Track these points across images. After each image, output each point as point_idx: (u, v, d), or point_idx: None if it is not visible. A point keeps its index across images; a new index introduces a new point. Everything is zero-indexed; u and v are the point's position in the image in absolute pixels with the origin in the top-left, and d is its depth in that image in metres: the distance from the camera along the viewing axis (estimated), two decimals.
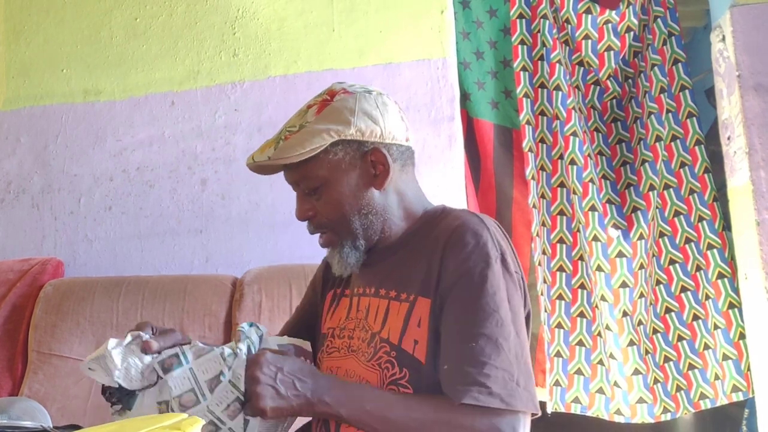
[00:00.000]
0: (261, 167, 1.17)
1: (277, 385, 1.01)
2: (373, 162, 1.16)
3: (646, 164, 2.17)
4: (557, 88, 2.25)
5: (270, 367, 1.02)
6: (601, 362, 2.15)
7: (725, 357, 1.99)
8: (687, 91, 2.13)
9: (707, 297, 2.04)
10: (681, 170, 2.11)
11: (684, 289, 2.07)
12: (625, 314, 2.14)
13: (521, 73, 2.31)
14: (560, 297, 2.21)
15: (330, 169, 1.14)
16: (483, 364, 1.01)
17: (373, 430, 1.03)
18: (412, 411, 1.02)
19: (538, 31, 2.30)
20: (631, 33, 2.26)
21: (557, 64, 2.27)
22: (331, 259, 1.21)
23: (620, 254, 2.17)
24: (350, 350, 1.17)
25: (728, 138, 2.03)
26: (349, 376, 1.15)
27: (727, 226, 2.06)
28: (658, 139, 2.15)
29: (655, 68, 2.18)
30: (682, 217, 2.09)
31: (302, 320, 1.37)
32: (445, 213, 1.21)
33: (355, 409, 1.03)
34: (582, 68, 2.30)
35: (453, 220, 1.15)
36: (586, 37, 2.28)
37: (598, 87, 2.30)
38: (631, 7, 2.25)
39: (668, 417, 2.09)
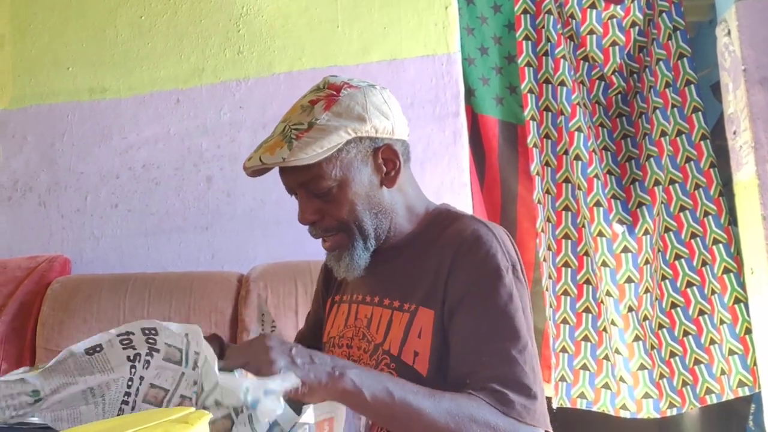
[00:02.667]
0: (261, 170, 1.10)
1: (293, 355, 0.91)
2: (384, 160, 1.12)
3: (651, 159, 2.16)
4: (562, 83, 2.25)
5: (282, 341, 0.93)
6: (606, 357, 2.14)
7: (731, 352, 1.99)
8: (692, 86, 2.13)
9: (713, 292, 2.03)
10: (686, 165, 2.10)
11: (690, 284, 2.07)
12: (630, 309, 2.14)
13: (526, 68, 2.31)
14: (565, 292, 2.21)
15: (343, 168, 1.09)
16: (496, 378, 0.97)
17: (397, 420, 0.94)
18: (438, 400, 0.94)
19: (543, 27, 2.30)
20: (636, 28, 2.25)
21: (562, 60, 2.26)
22: (335, 262, 1.15)
23: (625, 249, 2.17)
24: (350, 359, 1.13)
25: (734, 132, 2.02)
26: None
27: (733, 221, 2.06)
28: (663, 134, 2.14)
29: (660, 63, 2.17)
30: (687, 212, 2.09)
31: (312, 330, 1.35)
32: (451, 217, 1.17)
33: (379, 391, 0.92)
34: (587, 63, 2.29)
35: (461, 228, 1.11)
36: (591, 32, 2.28)
37: (603, 82, 2.29)
38: (635, 1, 2.24)
39: (674, 412, 2.08)
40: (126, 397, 0.98)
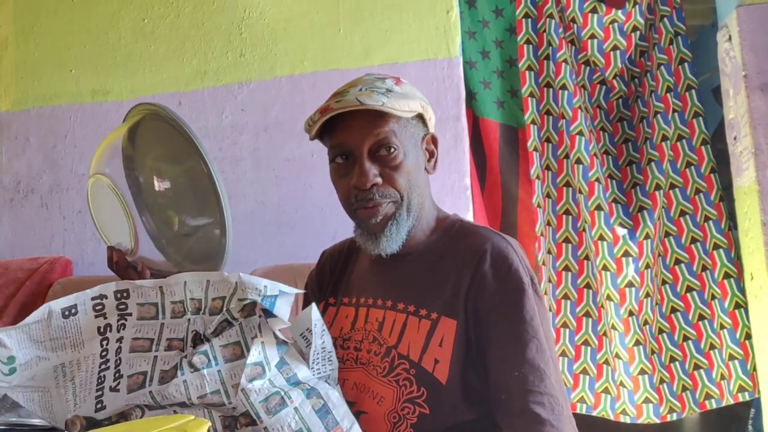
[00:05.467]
0: (315, 124, 1.11)
1: None
2: (428, 146, 1.19)
3: (652, 164, 2.16)
4: (563, 87, 2.25)
5: None
6: (606, 362, 2.15)
7: (731, 357, 1.99)
8: (693, 91, 2.13)
9: (713, 297, 2.03)
10: (687, 170, 2.11)
11: (690, 289, 2.07)
12: (630, 314, 2.14)
13: (527, 72, 2.31)
14: (566, 296, 2.21)
15: (407, 138, 1.14)
16: (529, 392, 1.01)
17: None
18: None
19: (544, 31, 2.30)
20: (638, 32, 2.26)
21: (563, 64, 2.26)
22: (378, 235, 1.13)
23: (626, 254, 2.17)
24: (358, 362, 1.14)
25: (734, 138, 2.03)
26: (359, 389, 1.12)
27: (733, 226, 2.06)
28: (664, 138, 2.15)
29: (662, 68, 2.17)
30: (688, 216, 2.09)
31: None
32: (465, 229, 1.19)
33: None
34: (588, 67, 2.30)
35: (480, 241, 1.13)
36: (592, 36, 2.28)
37: (604, 86, 2.29)
38: (637, 6, 2.24)
39: (674, 417, 2.08)
40: (103, 366, 1.01)
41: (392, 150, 1.11)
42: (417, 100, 1.14)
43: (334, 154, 1.16)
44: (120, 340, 1.02)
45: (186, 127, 1.15)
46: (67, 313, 1.01)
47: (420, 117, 1.17)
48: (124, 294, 1.03)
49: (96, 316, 1.02)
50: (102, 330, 1.02)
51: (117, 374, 1.00)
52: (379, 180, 1.11)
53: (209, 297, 1.00)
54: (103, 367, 1.01)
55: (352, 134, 1.12)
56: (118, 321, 1.02)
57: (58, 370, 1.02)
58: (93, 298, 1.02)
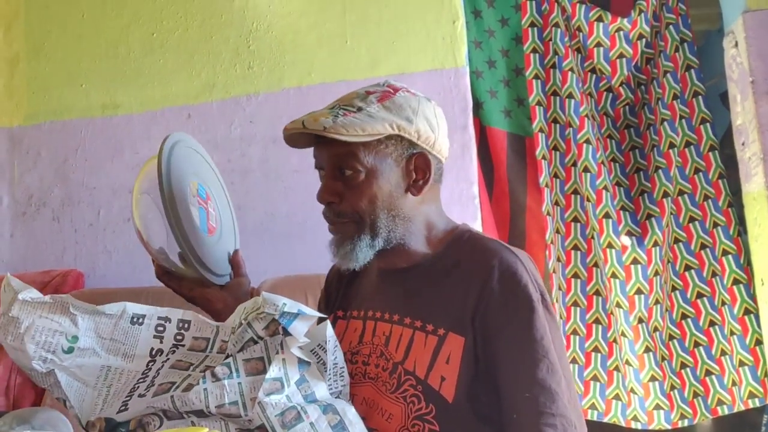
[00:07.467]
0: (295, 137, 1.14)
1: None
2: (416, 167, 1.14)
3: (660, 171, 2.17)
4: (570, 95, 2.26)
5: None
6: (617, 368, 2.14)
7: (741, 363, 1.98)
8: (700, 97, 2.13)
9: (723, 303, 2.03)
10: (695, 176, 2.11)
11: (700, 295, 2.07)
12: (640, 321, 2.14)
13: (534, 81, 2.32)
14: (575, 304, 2.21)
15: (377, 159, 1.11)
16: (541, 414, 0.99)
17: None
18: None
19: (550, 40, 2.31)
20: (643, 40, 2.26)
21: (569, 72, 2.27)
22: (336, 249, 1.15)
23: (635, 261, 2.17)
24: (366, 377, 1.13)
25: (743, 144, 2.02)
26: (368, 405, 1.10)
27: (744, 231, 2.05)
28: (672, 145, 2.15)
29: (668, 75, 2.18)
30: (696, 223, 2.09)
31: None
32: (473, 241, 1.17)
33: None
34: (594, 75, 2.30)
35: (487, 255, 1.11)
36: (598, 44, 2.29)
37: (611, 94, 2.30)
38: (642, 14, 2.25)
39: (685, 423, 2.08)
40: (141, 380, 1.03)
41: (351, 171, 1.11)
42: (391, 121, 1.10)
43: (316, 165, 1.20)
44: (165, 362, 1.04)
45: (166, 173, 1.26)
46: (135, 319, 1.04)
47: (400, 137, 1.12)
48: (185, 325, 1.05)
49: (154, 336, 1.04)
50: (153, 353, 1.04)
51: (150, 384, 1.02)
52: (332, 199, 1.14)
53: (240, 319, 1.02)
54: (140, 380, 1.03)
55: (318, 149, 1.16)
56: (170, 348, 1.05)
57: (103, 370, 1.04)
58: (159, 317, 1.04)
